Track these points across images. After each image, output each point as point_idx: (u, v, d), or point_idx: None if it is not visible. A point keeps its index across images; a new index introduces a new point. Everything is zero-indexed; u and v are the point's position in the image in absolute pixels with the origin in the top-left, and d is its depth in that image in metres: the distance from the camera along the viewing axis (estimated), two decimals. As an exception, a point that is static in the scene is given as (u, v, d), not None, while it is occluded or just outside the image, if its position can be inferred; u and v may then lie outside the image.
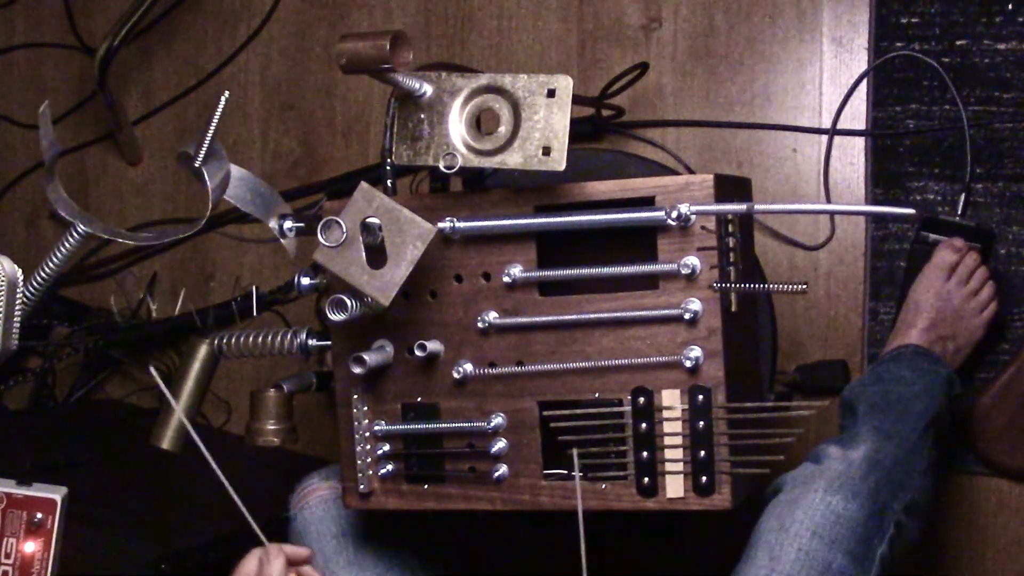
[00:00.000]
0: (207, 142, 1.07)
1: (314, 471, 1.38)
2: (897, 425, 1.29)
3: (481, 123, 1.14)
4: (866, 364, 1.65)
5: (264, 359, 1.30)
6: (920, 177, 1.64)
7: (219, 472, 1.00)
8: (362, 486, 1.21)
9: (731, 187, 1.15)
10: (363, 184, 1.08)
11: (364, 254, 1.07)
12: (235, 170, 1.14)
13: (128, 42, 1.91)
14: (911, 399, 1.35)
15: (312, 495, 1.34)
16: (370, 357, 1.17)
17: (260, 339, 1.24)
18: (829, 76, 1.72)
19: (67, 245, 1.08)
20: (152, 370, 1.05)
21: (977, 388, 1.57)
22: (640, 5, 1.81)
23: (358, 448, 1.21)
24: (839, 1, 1.71)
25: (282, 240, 1.19)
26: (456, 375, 1.18)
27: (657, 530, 1.66)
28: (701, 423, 1.11)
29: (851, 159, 1.70)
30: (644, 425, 1.13)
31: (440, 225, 1.13)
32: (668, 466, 1.12)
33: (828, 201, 1.70)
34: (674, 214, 1.08)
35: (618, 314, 1.13)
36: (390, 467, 1.22)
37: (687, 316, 1.10)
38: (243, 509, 1.01)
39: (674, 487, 1.12)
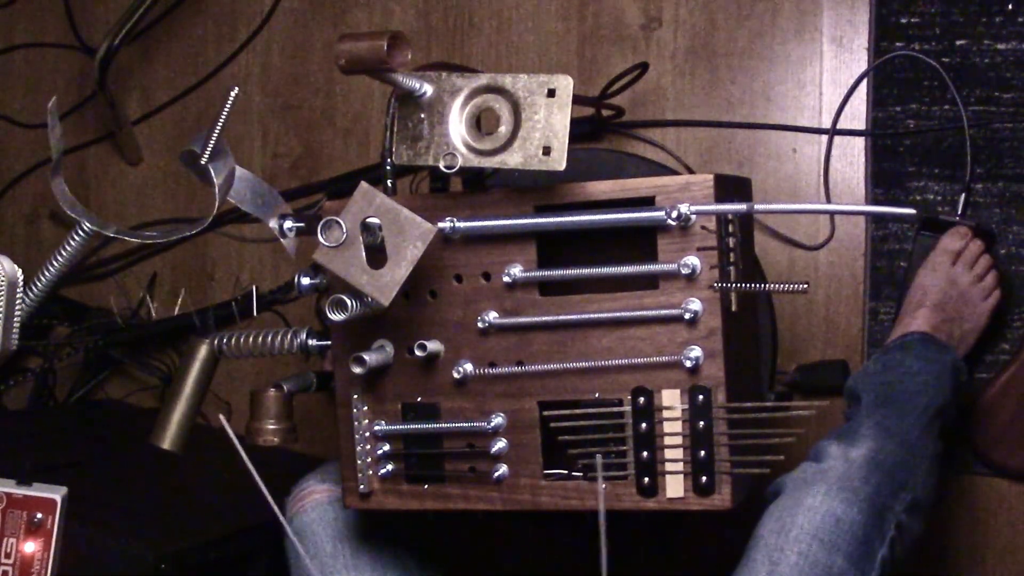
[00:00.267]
0: (214, 139, 1.06)
1: (309, 473, 1.38)
2: (900, 421, 1.29)
3: (481, 123, 1.14)
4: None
5: (264, 359, 1.30)
6: (920, 177, 1.64)
7: (249, 464, 0.99)
8: (362, 486, 1.21)
9: (731, 187, 1.15)
10: (363, 184, 1.08)
11: (364, 254, 1.07)
12: (236, 170, 1.14)
13: (128, 42, 1.91)
14: (916, 392, 1.34)
15: (308, 498, 1.34)
16: (370, 357, 1.16)
17: (260, 339, 1.24)
18: (829, 76, 1.72)
19: (72, 243, 1.08)
20: (223, 419, 1.05)
21: (977, 388, 1.57)
22: (640, 5, 1.81)
23: (358, 448, 1.21)
24: (839, 1, 1.71)
25: (282, 240, 1.19)
26: (456, 375, 1.18)
27: (657, 530, 1.65)
28: (701, 423, 1.11)
29: (851, 159, 1.70)
30: (644, 425, 1.13)
31: (440, 225, 1.13)
32: (668, 466, 1.12)
33: (828, 201, 1.70)
34: (674, 214, 1.08)
35: (618, 314, 1.13)
36: (390, 467, 1.22)
37: (687, 316, 1.10)
38: (269, 500, 1.00)
39: (674, 487, 1.12)
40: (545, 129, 1.10)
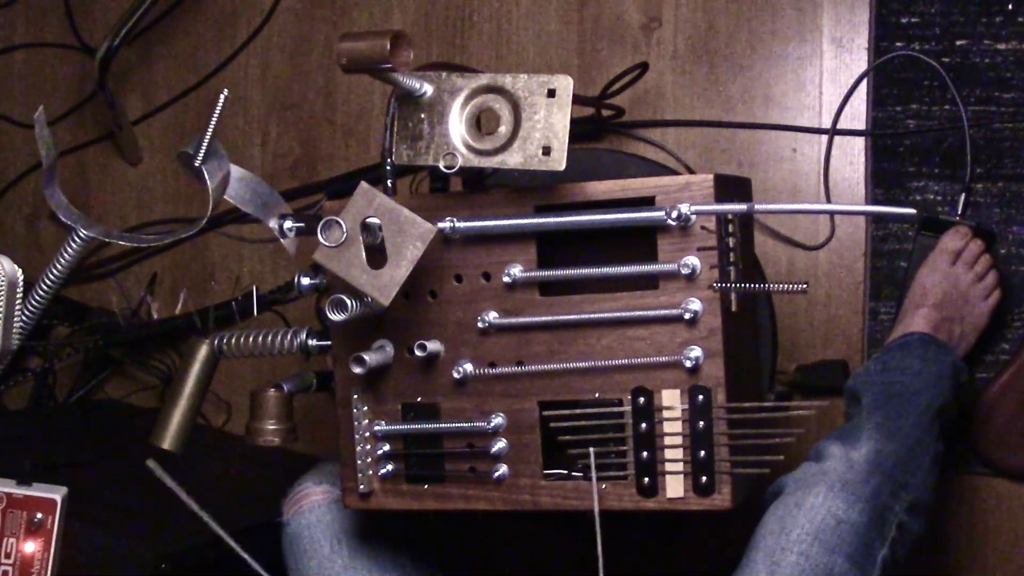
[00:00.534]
0: (207, 141, 1.06)
1: (306, 474, 1.38)
2: (901, 421, 1.29)
3: (481, 123, 1.14)
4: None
5: (264, 359, 1.30)
6: (920, 177, 1.64)
7: (188, 499, 0.99)
8: (362, 486, 1.21)
9: (731, 187, 1.15)
10: (363, 184, 1.08)
11: (364, 254, 1.07)
12: (235, 170, 1.14)
13: (128, 42, 1.91)
14: (916, 392, 1.34)
15: (305, 500, 1.34)
16: (370, 357, 1.16)
17: (260, 339, 1.24)
18: (829, 76, 1.72)
19: (69, 251, 1.08)
20: (150, 464, 1.04)
21: (977, 388, 1.57)
22: (640, 5, 1.81)
23: (358, 448, 1.21)
24: (839, 1, 1.71)
25: (282, 240, 1.19)
26: (456, 375, 1.18)
27: (657, 530, 1.65)
28: (701, 423, 1.11)
29: (851, 159, 1.70)
30: (644, 425, 1.13)
31: (440, 225, 1.13)
32: (668, 466, 1.12)
33: (828, 201, 1.70)
34: (674, 214, 1.08)
35: (618, 314, 1.13)
36: (390, 467, 1.22)
37: (687, 316, 1.10)
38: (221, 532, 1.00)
39: (674, 487, 1.12)
40: (545, 129, 1.10)
